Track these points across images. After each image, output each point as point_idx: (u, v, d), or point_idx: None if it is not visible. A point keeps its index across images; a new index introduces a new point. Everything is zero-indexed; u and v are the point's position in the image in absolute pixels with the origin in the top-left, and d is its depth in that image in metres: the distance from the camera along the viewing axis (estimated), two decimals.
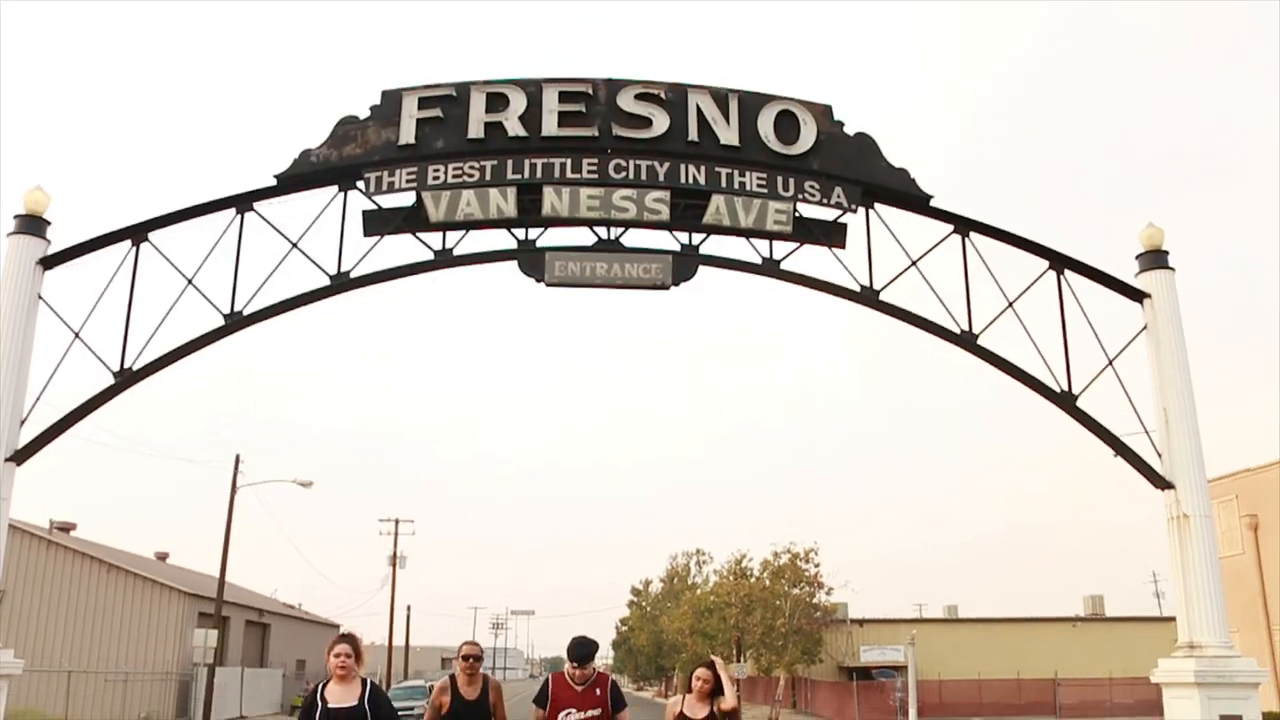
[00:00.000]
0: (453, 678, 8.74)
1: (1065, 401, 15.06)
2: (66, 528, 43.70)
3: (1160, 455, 14.78)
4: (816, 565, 49.69)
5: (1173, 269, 15.48)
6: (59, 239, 16.86)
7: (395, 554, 59.08)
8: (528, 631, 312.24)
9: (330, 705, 7.74)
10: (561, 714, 8.33)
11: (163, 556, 51.80)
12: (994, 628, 53.75)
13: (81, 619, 39.16)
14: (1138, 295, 15.46)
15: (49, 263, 16.46)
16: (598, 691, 8.41)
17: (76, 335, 16.04)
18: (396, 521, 59.27)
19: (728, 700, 8.59)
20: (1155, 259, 15.47)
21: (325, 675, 8.11)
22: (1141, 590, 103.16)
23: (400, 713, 33.17)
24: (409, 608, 71.92)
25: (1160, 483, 14.65)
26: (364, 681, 7.99)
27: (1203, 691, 13.49)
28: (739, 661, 52.01)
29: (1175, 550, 14.54)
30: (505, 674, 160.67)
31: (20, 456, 15.95)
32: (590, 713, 8.34)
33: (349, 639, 8.11)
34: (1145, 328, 15.30)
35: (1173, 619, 14.75)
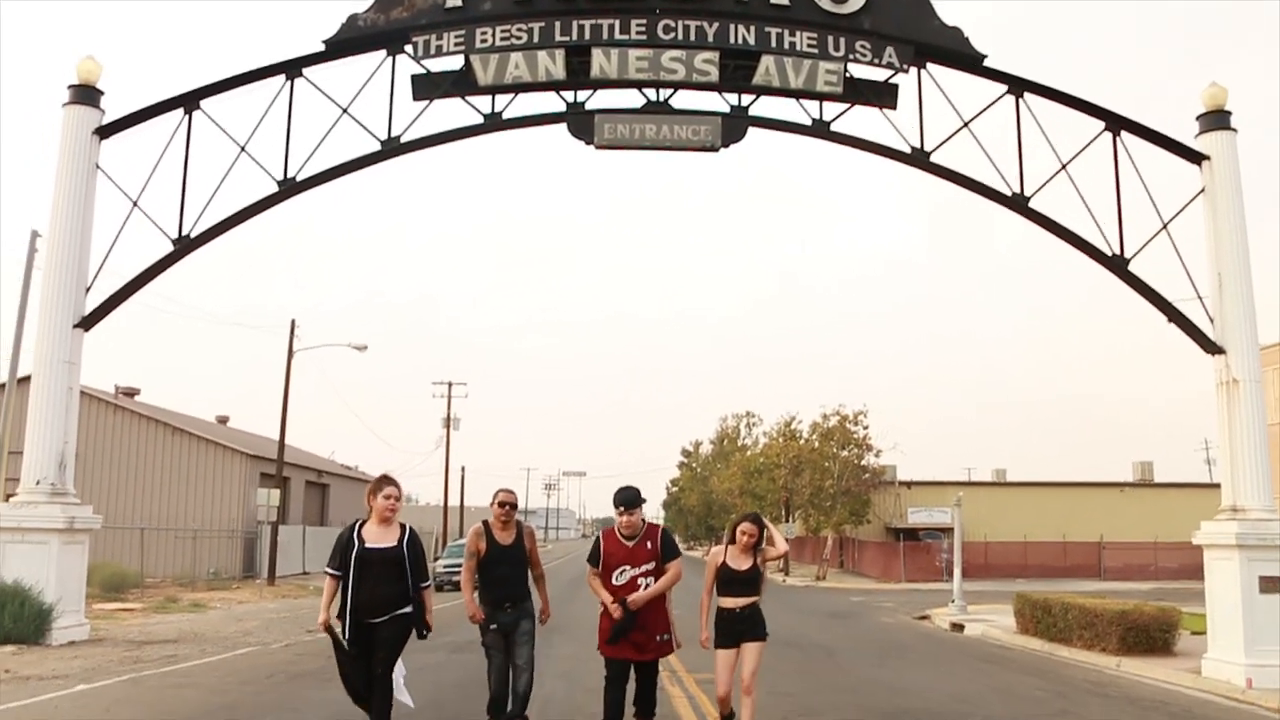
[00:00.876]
0: (487, 524, 8.55)
1: (1117, 265, 14.93)
2: (131, 393, 44.98)
3: (1212, 320, 14.68)
4: (865, 428, 50.14)
5: (1234, 130, 15.10)
6: (113, 109, 17.09)
7: (449, 416, 60.47)
8: (579, 492, 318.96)
9: (368, 545, 7.60)
10: (615, 572, 7.97)
11: (223, 420, 53.27)
12: (1041, 492, 54.04)
13: (150, 480, 40.62)
14: (1196, 157, 15.13)
15: (104, 132, 16.69)
16: (649, 544, 8.03)
17: (135, 204, 16.35)
18: (450, 384, 60.39)
19: (778, 546, 8.44)
20: (1216, 119, 15.08)
21: (364, 516, 7.93)
22: (1192, 458, 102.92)
23: (457, 569, 34.02)
24: (463, 469, 73.89)
25: (1211, 348, 14.59)
26: (403, 526, 7.88)
27: (1243, 554, 13.66)
28: (787, 522, 53.00)
29: (1223, 415, 14.57)
30: (558, 534, 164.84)
31: (87, 323, 16.48)
32: (644, 567, 7.95)
33: (395, 483, 7.96)
34: (1202, 190, 15.02)
35: (1221, 486, 14.87)
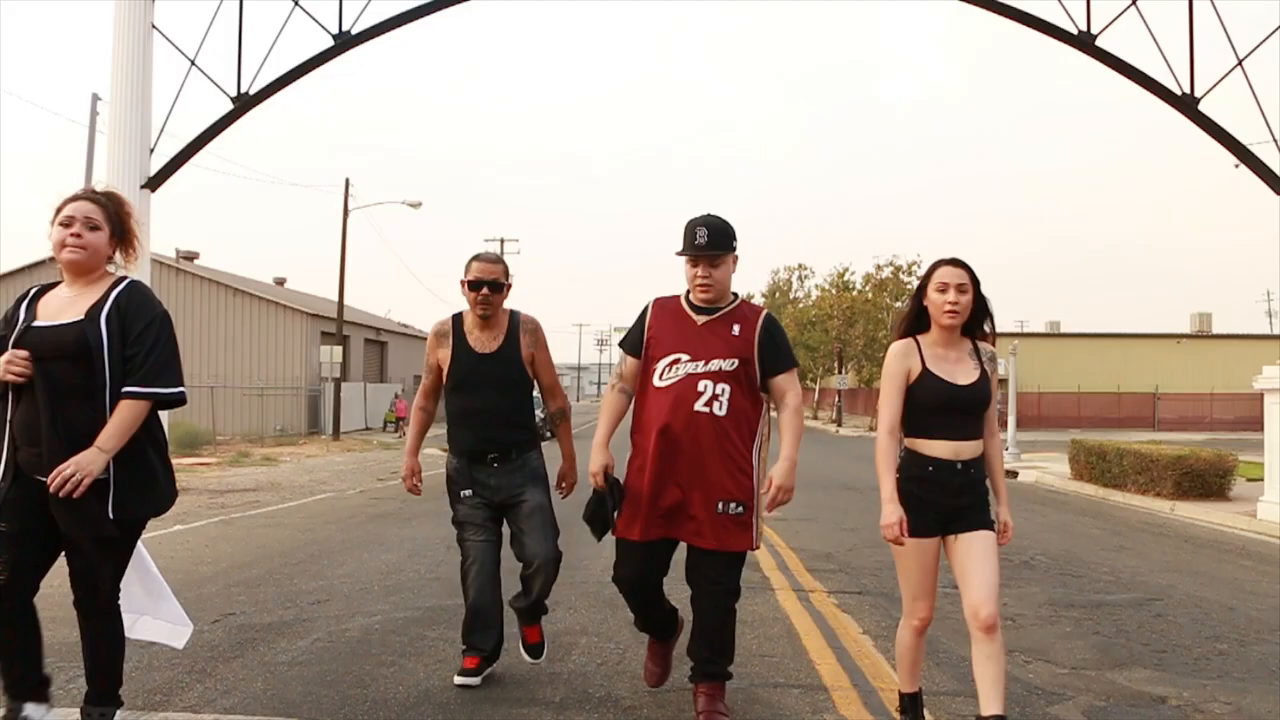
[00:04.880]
0: (459, 319, 5.37)
1: (1186, 105, 14.57)
2: (190, 256, 45.71)
3: None
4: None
5: None
6: None
7: None
8: None
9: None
10: (664, 362, 4.52)
11: (280, 282, 54.05)
12: (1096, 343, 53.76)
13: (214, 341, 41.52)
14: None
15: None
16: (736, 329, 4.53)
17: (193, 63, 16.41)
18: (502, 240, 60.66)
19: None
20: None
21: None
22: (1254, 309, 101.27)
23: None
24: None
25: None
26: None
27: None
28: (841, 373, 53.34)
29: None
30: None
31: (154, 183, 16.74)
32: (718, 365, 4.44)
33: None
34: None
35: None
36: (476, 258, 5.31)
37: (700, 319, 4.57)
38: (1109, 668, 5.99)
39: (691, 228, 4.51)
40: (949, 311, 4.15)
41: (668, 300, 4.71)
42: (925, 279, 4.29)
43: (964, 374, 4.18)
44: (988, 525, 4.16)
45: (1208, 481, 16.33)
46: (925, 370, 4.16)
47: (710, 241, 4.47)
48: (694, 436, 4.41)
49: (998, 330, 4.45)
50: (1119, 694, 5.44)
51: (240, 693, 5.22)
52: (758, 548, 4.62)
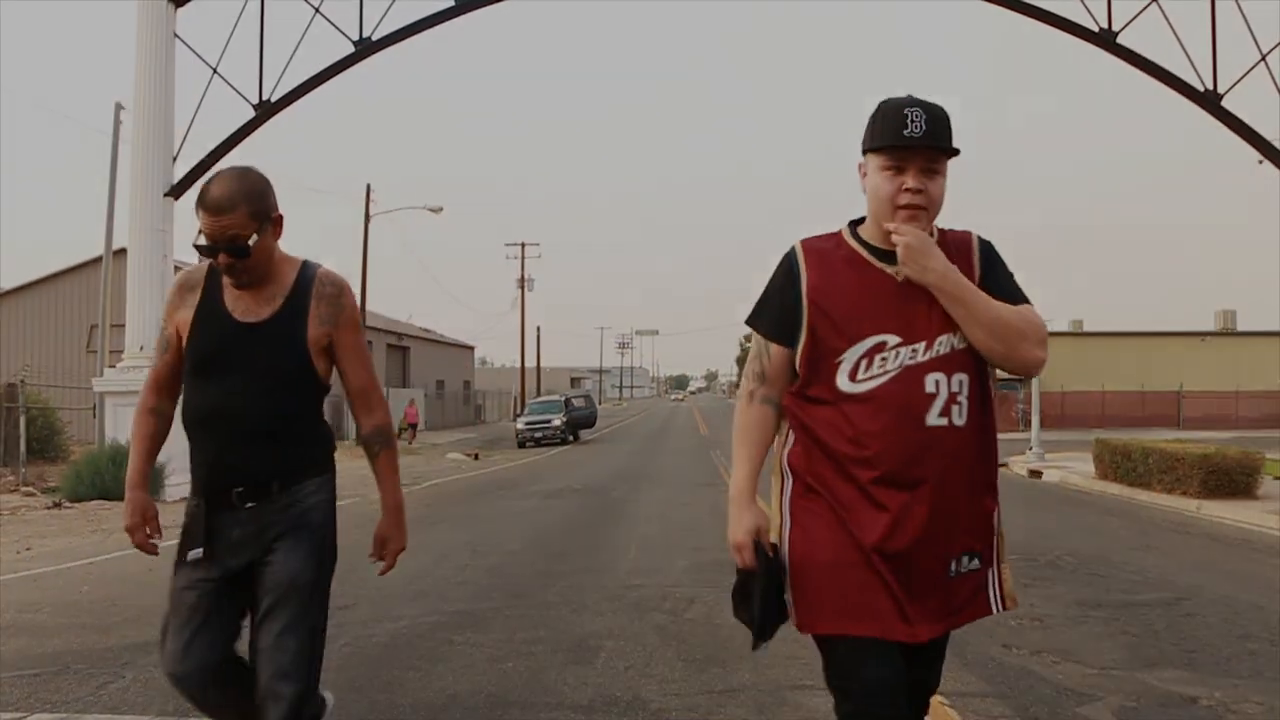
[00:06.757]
0: (213, 274, 3.26)
1: (1209, 102, 14.50)
2: None
3: None
4: None
5: None
6: None
7: (523, 276, 61.16)
8: (653, 351, 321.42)
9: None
10: (858, 350, 2.66)
11: None
12: (1119, 341, 53.34)
13: None
14: None
15: (180, 0, 16.80)
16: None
17: (215, 71, 16.56)
18: (523, 245, 60.81)
19: None
20: None
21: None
22: (1278, 306, 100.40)
23: (538, 426, 34.76)
24: (538, 329, 74.85)
25: None
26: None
27: None
28: None
29: None
30: (632, 392, 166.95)
31: (177, 191, 16.92)
32: (946, 343, 2.66)
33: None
34: None
35: None
36: (202, 196, 3.11)
37: (896, 270, 2.68)
38: (1139, 668, 5.95)
39: (898, 110, 2.66)
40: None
41: (825, 243, 2.79)
42: None
43: None
44: None
45: (1235, 480, 16.17)
46: None
47: (930, 131, 2.64)
48: (931, 470, 2.62)
49: None
50: (1150, 694, 5.40)
51: None
52: (1008, 607, 2.89)
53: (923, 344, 2.65)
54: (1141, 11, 14.65)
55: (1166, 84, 14.64)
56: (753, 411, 2.83)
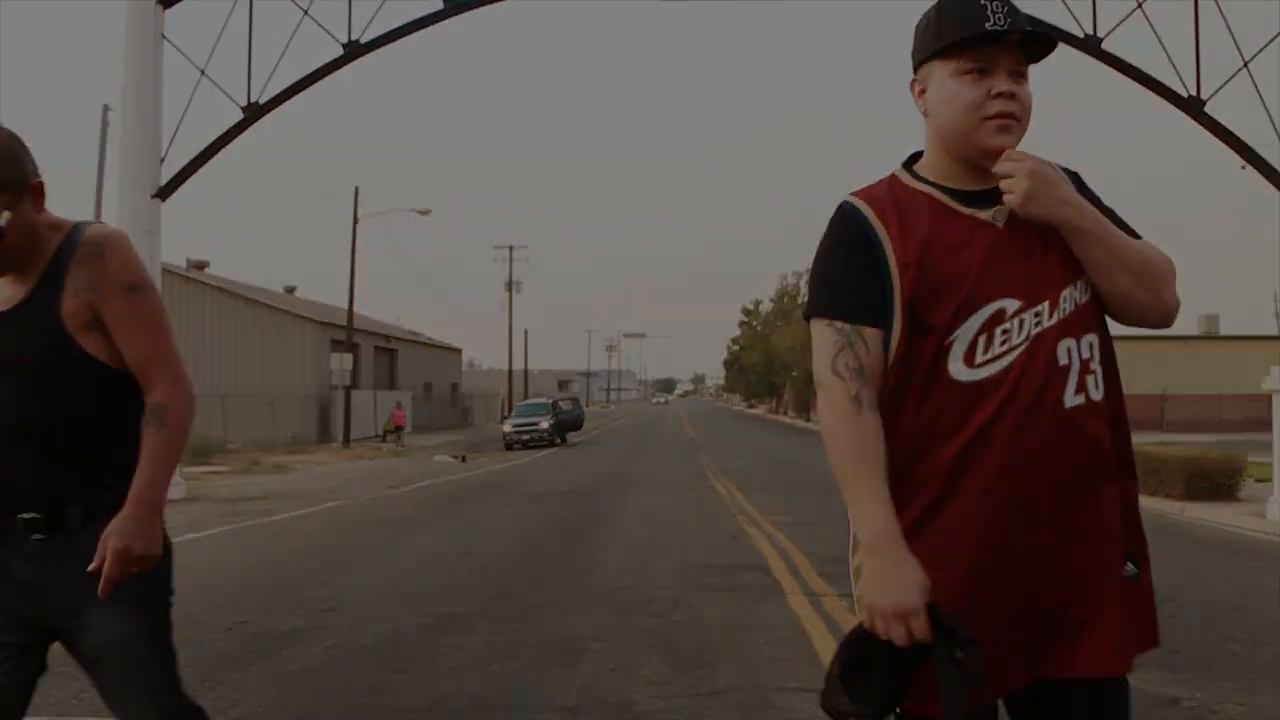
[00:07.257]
0: None
1: (1193, 107, 14.59)
2: (201, 265, 45.91)
3: None
4: None
5: None
6: None
7: (510, 279, 61.17)
8: (640, 354, 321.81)
9: None
10: (973, 324, 1.97)
11: (290, 290, 54.21)
12: None
13: (225, 350, 41.68)
14: None
15: (167, 1, 16.76)
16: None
17: (203, 73, 16.51)
18: (511, 248, 60.77)
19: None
20: None
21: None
22: (1261, 310, 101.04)
23: (525, 428, 34.87)
24: (526, 332, 74.82)
25: None
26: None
27: None
28: None
29: None
30: (619, 394, 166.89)
31: (164, 193, 16.85)
32: (1069, 298, 2.02)
33: None
34: None
35: None
36: None
37: (992, 214, 2.06)
38: None
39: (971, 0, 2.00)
40: None
41: (890, 191, 2.11)
42: None
43: None
44: None
45: (1218, 482, 16.28)
46: None
47: (1018, 23, 1.99)
48: (1070, 463, 2.02)
49: None
50: (1131, 695, 5.44)
51: (253, 701, 5.24)
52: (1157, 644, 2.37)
53: (1046, 304, 2.01)
54: (1127, 17, 14.74)
55: (1151, 89, 14.73)
56: (867, 422, 1.97)
